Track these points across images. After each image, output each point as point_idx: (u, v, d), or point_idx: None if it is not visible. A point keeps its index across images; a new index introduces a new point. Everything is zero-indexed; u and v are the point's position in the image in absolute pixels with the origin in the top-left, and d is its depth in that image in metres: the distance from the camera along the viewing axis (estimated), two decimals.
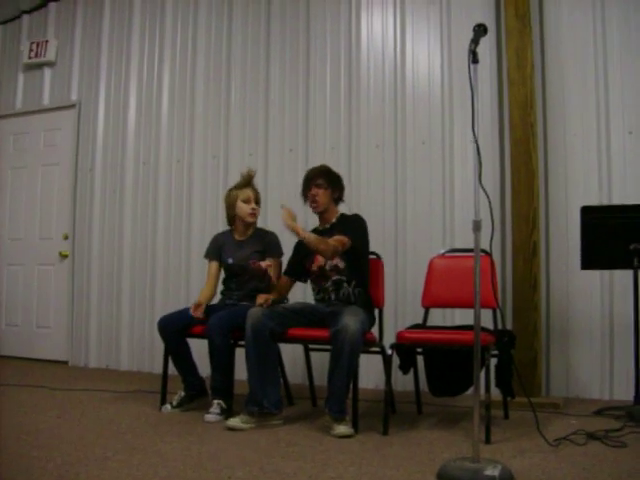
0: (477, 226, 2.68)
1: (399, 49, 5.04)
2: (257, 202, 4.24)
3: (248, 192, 4.19)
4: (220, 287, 4.31)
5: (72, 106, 6.23)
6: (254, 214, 4.21)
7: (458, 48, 4.77)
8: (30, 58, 6.40)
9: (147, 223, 5.80)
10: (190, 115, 5.72)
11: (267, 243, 4.19)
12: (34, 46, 6.38)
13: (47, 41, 6.34)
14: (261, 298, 3.80)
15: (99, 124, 6.10)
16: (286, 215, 3.58)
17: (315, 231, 4.06)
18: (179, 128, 5.76)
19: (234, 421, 3.51)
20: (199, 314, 3.95)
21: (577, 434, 3.24)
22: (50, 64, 6.39)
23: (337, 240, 3.72)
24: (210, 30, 5.71)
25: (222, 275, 4.33)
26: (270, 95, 5.44)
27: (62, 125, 6.30)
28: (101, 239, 5.99)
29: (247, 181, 4.25)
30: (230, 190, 4.28)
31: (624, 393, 4.20)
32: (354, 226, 3.89)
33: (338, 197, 4.02)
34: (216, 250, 4.31)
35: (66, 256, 6.13)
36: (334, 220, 3.99)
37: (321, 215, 4.00)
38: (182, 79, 5.79)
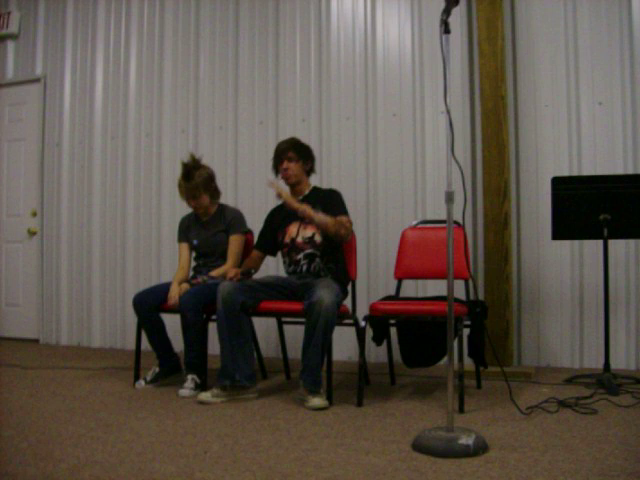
0: (450, 197, 2.68)
1: (369, 20, 4.99)
2: (195, 197, 4.09)
3: (183, 193, 4.13)
4: (193, 264, 4.29)
5: (37, 80, 6.10)
6: (197, 208, 4.18)
7: (429, 19, 4.75)
8: None
9: (116, 198, 5.73)
10: (158, 88, 5.63)
11: (229, 222, 4.16)
12: None
13: (10, 12, 6.18)
14: (231, 272, 3.79)
15: (65, 98, 5.99)
16: (284, 194, 3.57)
17: None
18: (147, 102, 5.67)
19: (205, 395, 3.51)
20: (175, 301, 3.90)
21: (549, 402, 3.30)
22: (13, 37, 6.23)
23: (343, 220, 3.76)
24: (178, 1, 5.61)
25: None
26: (239, 68, 5.36)
27: (27, 100, 6.17)
28: (70, 215, 5.91)
29: (182, 175, 4.13)
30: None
31: (594, 361, 4.30)
32: (337, 202, 3.88)
33: (310, 168, 4.01)
34: (183, 232, 4.30)
35: (35, 233, 6.05)
36: (307, 192, 3.97)
37: (293, 187, 3.97)
38: (150, 52, 5.68)
